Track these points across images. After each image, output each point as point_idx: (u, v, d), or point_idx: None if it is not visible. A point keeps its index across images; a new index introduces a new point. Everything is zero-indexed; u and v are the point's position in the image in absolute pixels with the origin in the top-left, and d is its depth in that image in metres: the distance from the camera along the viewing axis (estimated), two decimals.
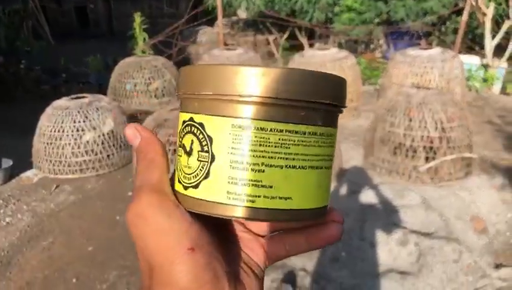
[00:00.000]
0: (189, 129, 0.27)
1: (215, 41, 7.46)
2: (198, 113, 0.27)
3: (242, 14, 9.83)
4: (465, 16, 5.26)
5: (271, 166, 0.26)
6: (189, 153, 0.27)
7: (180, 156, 0.28)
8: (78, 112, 3.28)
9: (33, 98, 5.75)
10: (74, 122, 3.24)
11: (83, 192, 3.10)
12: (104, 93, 4.39)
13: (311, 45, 8.04)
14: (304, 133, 0.26)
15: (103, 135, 3.32)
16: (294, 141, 0.26)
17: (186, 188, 0.27)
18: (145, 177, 0.29)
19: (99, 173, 3.34)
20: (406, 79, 4.38)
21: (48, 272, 2.24)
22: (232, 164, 0.26)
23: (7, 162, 3.31)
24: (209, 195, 0.26)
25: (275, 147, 0.26)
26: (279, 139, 0.26)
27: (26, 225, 2.67)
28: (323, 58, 4.50)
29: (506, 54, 5.85)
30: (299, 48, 7.70)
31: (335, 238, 0.31)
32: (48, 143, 3.24)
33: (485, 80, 5.61)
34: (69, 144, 3.24)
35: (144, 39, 6.21)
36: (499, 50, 5.95)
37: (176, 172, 0.29)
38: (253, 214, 0.26)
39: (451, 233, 2.47)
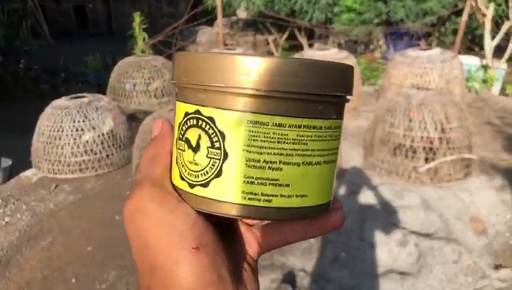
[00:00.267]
0: (194, 122, 0.25)
1: (214, 41, 7.46)
2: (206, 106, 0.25)
3: (242, 14, 9.82)
4: (464, 17, 5.26)
5: (288, 164, 0.25)
6: (195, 149, 0.25)
7: (183, 150, 0.26)
8: (78, 111, 3.28)
9: (32, 97, 5.74)
10: (73, 122, 3.24)
11: (82, 192, 3.09)
12: (103, 93, 4.38)
13: (310, 45, 8.04)
14: (320, 128, 0.26)
15: (103, 134, 3.32)
16: (311, 137, 0.25)
17: (192, 186, 0.26)
18: (147, 172, 0.28)
19: (99, 173, 3.33)
20: (405, 80, 4.38)
21: (47, 272, 2.24)
22: (247, 162, 0.24)
23: (6, 162, 3.30)
24: (222, 195, 0.25)
25: (293, 143, 0.25)
26: (297, 135, 0.25)
27: (26, 225, 2.66)
28: (322, 58, 4.50)
29: (506, 55, 5.86)
30: (299, 48, 7.70)
31: (339, 225, 0.30)
32: (47, 143, 3.24)
33: (484, 81, 5.61)
34: (69, 143, 3.24)
35: (144, 39, 6.21)
36: (499, 51, 5.96)
37: (176, 167, 0.27)
38: (270, 214, 0.25)
39: (450, 234, 2.47)
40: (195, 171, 0.26)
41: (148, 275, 0.25)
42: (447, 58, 4.48)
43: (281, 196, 0.25)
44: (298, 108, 0.24)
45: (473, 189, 2.94)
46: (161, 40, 6.28)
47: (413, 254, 2.31)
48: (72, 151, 3.24)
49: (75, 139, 3.24)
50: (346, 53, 4.77)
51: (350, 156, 3.51)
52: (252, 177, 0.24)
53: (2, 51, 6.49)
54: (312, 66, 0.24)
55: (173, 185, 0.27)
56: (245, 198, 0.25)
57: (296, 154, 0.25)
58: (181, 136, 0.26)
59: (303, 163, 0.25)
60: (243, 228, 0.31)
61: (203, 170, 0.25)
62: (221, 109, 0.24)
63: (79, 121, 3.25)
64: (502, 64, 5.71)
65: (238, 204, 0.25)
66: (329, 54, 4.63)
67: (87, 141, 3.27)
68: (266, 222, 0.31)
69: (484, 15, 5.75)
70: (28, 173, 3.36)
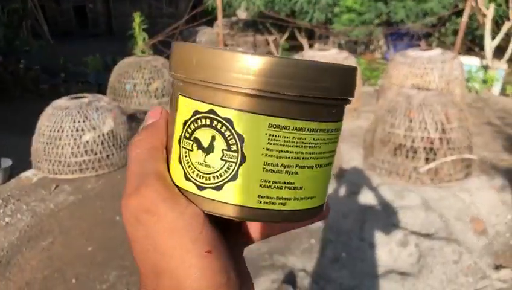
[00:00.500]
0: (207, 123, 0.24)
1: (214, 42, 7.47)
2: (223, 107, 0.24)
3: (242, 14, 9.83)
4: (465, 17, 5.26)
5: (303, 167, 0.25)
6: (207, 150, 0.24)
7: (190, 150, 0.25)
8: (78, 112, 3.28)
9: (32, 97, 5.74)
10: (74, 122, 3.24)
11: (83, 192, 3.09)
12: (104, 93, 4.39)
13: (310, 46, 8.05)
14: (332, 131, 0.26)
15: (103, 135, 3.32)
16: (324, 140, 0.25)
17: (202, 188, 0.25)
18: (150, 167, 0.26)
19: (99, 173, 3.33)
20: (405, 80, 4.39)
21: (48, 272, 2.24)
22: (265, 166, 0.24)
23: (6, 162, 3.30)
24: (237, 199, 0.24)
25: (309, 147, 0.25)
26: (314, 139, 0.25)
27: (26, 225, 2.66)
28: (323, 59, 4.49)
29: (506, 56, 5.86)
30: (299, 48, 7.71)
31: (325, 217, 0.29)
32: (47, 143, 3.24)
33: (484, 81, 5.61)
34: (69, 144, 3.23)
35: (144, 39, 6.21)
36: (499, 51, 5.96)
37: (179, 167, 0.26)
38: (283, 217, 0.25)
39: (451, 234, 2.47)
40: (206, 173, 0.25)
41: (153, 279, 0.25)
42: (447, 58, 4.48)
43: (295, 198, 0.25)
44: (317, 112, 0.24)
45: (473, 189, 2.94)
46: (161, 40, 6.28)
47: (413, 254, 2.31)
48: (72, 151, 3.24)
49: (75, 139, 3.24)
50: (347, 53, 4.77)
51: (350, 156, 3.51)
52: (269, 182, 0.24)
53: (2, 51, 6.49)
54: (333, 71, 0.24)
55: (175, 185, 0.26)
56: (260, 202, 0.24)
57: (310, 158, 0.25)
58: (188, 135, 0.25)
59: (315, 166, 0.25)
60: (235, 224, 0.31)
61: (216, 172, 0.24)
62: (241, 111, 0.23)
63: (79, 122, 3.25)
64: (502, 65, 5.71)
65: (253, 208, 0.25)
66: (330, 54, 4.63)
67: (87, 141, 3.27)
68: None
69: (484, 15, 5.76)
70: (28, 173, 3.36)
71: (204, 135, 0.24)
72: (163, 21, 10.44)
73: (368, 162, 3.31)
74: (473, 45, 7.10)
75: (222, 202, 0.25)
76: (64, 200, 2.98)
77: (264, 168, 0.24)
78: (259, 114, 0.23)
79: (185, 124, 0.25)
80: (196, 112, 0.25)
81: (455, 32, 6.59)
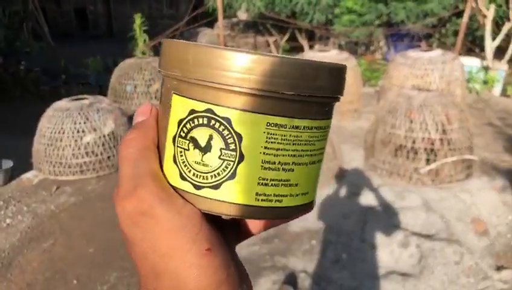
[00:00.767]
0: (204, 122, 0.24)
1: (215, 43, 7.46)
2: (221, 106, 0.24)
3: (242, 15, 9.84)
4: (465, 18, 5.26)
5: (299, 164, 0.25)
6: (205, 150, 0.24)
7: (186, 149, 0.25)
8: (79, 113, 3.28)
9: (33, 99, 5.75)
10: (75, 123, 3.24)
11: (84, 193, 3.09)
12: (104, 95, 4.39)
13: (311, 47, 8.05)
14: (325, 128, 0.27)
15: (104, 136, 3.32)
16: (318, 137, 0.26)
17: (199, 187, 0.25)
18: (144, 167, 0.25)
19: (100, 175, 3.33)
20: (406, 81, 4.39)
21: (49, 274, 2.24)
22: (263, 164, 0.24)
23: (7, 163, 3.30)
24: (235, 197, 0.24)
25: (305, 144, 0.25)
26: (309, 136, 0.25)
27: (27, 227, 2.66)
28: (323, 60, 4.48)
29: (507, 56, 5.86)
30: (299, 49, 7.72)
31: (311, 210, 0.30)
32: (48, 144, 3.24)
33: (485, 82, 5.61)
34: (70, 145, 3.24)
35: (144, 40, 6.21)
36: (499, 52, 5.96)
37: (174, 167, 0.25)
38: (279, 213, 0.26)
39: (452, 235, 2.47)
40: (203, 173, 0.25)
41: (153, 279, 0.25)
42: (448, 59, 4.48)
43: (290, 195, 0.26)
44: (313, 110, 0.25)
45: (474, 190, 2.94)
46: (162, 41, 6.28)
47: (414, 255, 2.31)
48: (73, 153, 3.25)
49: (76, 140, 3.24)
50: (347, 54, 4.77)
51: (351, 157, 3.51)
52: (267, 179, 0.24)
53: (2, 53, 6.50)
54: (330, 70, 0.25)
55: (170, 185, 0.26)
56: (258, 200, 0.25)
57: (305, 155, 0.26)
58: (183, 134, 0.25)
59: (309, 163, 0.26)
60: (230, 220, 0.31)
61: (214, 171, 0.24)
62: (240, 110, 0.23)
63: (80, 123, 3.25)
64: (503, 66, 5.71)
65: (250, 206, 0.25)
66: (330, 55, 4.63)
67: (88, 143, 3.27)
68: None
69: (485, 16, 5.76)
70: (29, 174, 3.36)
71: (201, 134, 0.24)
72: (164, 22, 10.44)
73: (369, 162, 3.31)
74: (473, 45, 7.10)
75: (220, 200, 0.25)
76: (65, 201, 2.98)
77: (262, 166, 0.24)
78: (258, 113, 0.23)
79: (180, 123, 0.25)
80: (192, 111, 0.24)
81: (455, 33, 6.60)
